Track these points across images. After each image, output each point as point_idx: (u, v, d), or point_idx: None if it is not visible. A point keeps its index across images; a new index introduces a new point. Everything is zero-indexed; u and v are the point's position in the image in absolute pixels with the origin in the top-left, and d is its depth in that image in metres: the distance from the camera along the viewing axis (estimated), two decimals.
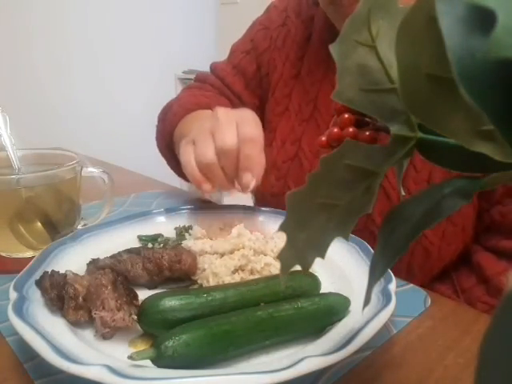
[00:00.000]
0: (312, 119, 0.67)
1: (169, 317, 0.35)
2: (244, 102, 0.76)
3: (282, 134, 0.69)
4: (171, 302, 0.35)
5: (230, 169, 0.49)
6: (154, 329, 0.36)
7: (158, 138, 0.78)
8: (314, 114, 0.67)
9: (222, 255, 0.46)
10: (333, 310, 0.37)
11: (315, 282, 0.41)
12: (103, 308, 0.35)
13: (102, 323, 0.35)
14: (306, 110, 0.67)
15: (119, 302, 0.36)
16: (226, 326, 0.34)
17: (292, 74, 0.70)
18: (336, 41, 0.22)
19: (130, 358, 0.30)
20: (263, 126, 0.75)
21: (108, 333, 0.35)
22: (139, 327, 0.36)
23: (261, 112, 0.77)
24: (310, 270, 0.39)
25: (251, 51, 0.75)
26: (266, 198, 0.70)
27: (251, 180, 0.48)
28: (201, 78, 0.82)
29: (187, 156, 0.51)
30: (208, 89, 0.78)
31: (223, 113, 0.51)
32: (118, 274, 0.39)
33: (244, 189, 0.49)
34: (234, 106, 0.76)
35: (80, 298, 0.36)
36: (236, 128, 0.49)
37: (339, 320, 0.37)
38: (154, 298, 0.36)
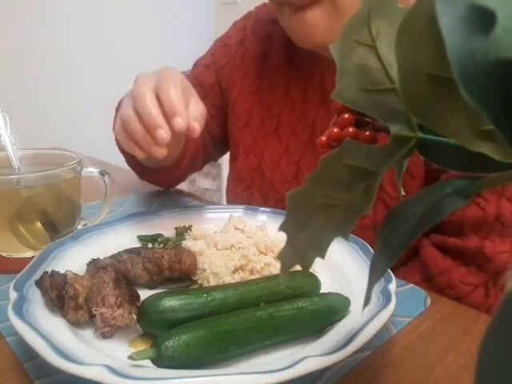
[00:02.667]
0: (275, 134, 0.70)
1: (169, 317, 0.35)
2: None
3: (246, 147, 0.72)
4: (171, 302, 0.35)
5: (147, 117, 0.46)
6: (153, 329, 0.36)
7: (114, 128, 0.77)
8: (278, 129, 0.70)
9: (221, 249, 0.46)
10: (333, 310, 0.37)
11: (315, 281, 0.41)
12: (103, 304, 0.35)
13: (102, 320, 0.35)
14: (270, 125, 0.70)
15: (119, 299, 0.36)
16: (225, 326, 0.34)
17: (251, 90, 0.72)
18: (336, 41, 0.22)
19: (130, 358, 0.30)
20: (227, 141, 0.76)
21: (108, 332, 0.35)
22: (139, 327, 0.36)
23: (215, 121, 0.77)
24: (310, 270, 0.40)
25: (211, 65, 0.77)
26: None
27: (182, 123, 0.46)
28: None
29: (116, 126, 0.51)
30: None
31: (143, 77, 0.53)
32: (121, 274, 0.39)
33: (177, 132, 0.46)
34: None
35: (80, 298, 0.36)
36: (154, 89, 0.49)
37: (339, 320, 0.37)
38: (154, 298, 0.36)
